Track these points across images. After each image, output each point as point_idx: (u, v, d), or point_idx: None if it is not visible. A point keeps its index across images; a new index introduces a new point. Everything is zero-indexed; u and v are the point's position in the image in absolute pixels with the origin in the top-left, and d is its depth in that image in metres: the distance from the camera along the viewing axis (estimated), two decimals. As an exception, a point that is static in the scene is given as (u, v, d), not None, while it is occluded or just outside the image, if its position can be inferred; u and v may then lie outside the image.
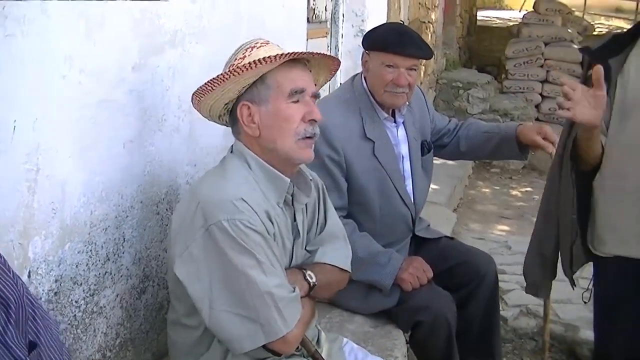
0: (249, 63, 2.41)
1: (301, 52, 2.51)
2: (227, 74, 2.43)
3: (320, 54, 2.63)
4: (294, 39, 4.28)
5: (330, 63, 2.75)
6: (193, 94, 2.55)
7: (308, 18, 4.91)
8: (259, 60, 2.40)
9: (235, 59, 2.52)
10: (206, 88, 2.49)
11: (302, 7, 4.47)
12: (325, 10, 5.60)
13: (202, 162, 3.24)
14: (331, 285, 2.79)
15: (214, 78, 2.47)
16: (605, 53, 3.08)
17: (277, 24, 3.97)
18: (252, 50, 2.51)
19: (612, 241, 3.17)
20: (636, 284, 3.17)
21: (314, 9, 5.24)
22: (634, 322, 3.23)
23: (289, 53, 2.45)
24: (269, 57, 2.41)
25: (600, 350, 3.43)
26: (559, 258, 3.43)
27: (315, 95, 2.58)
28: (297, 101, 2.50)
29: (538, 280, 3.48)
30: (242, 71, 2.42)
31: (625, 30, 3.20)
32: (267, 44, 2.56)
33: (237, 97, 2.53)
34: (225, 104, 2.57)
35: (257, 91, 2.49)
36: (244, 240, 2.35)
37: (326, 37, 5.70)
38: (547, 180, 3.40)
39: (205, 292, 2.38)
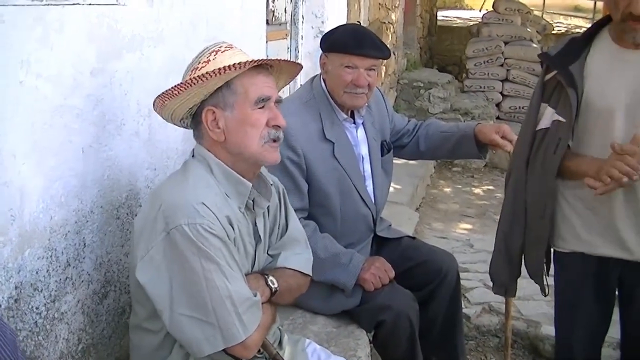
0: (218, 69, 2.42)
1: (269, 60, 2.53)
2: (195, 79, 2.44)
3: (287, 61, 2.66)
4: (253, 41, 4.29)
5: (293, 68, 2.77)
6: (157, 97, 2.55)
7: (267, 20, 4.91)
8: (227, 66, 2.42)
9: (199, 62, 2.53)
10: (171, 92, 2.49)
11: (261, 9, 4.48)
12: (285, 12, 5.60)
13: (162, 165, 3.24)
14: (292, 290, 2.80)
15: (180, 83, 2.47)
16: (564, 59, 3.12)
17: (236, 27, 3.97)
18: (216, 54, 2.52)
19: (571, 238, 3.21)
20: (595, 279, 3.22)
21: (274, 11, 5.24)
22: (593, 316, 3.29)
23: (257, 60, 2.47)
24: (238, 63, 2.42)
25: (562, 345, 3.47)
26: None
27: (280, 100, 2.61)
28: (263, 106, 2.52)
29: (506, 280, 3.50)
30: (210, 77, 2.43)
31: (580, 33, 3.24)
32: (231, 47, 2.57)
33: (201, 101, 2.54)
34: (190, 108, 2.57)
35: (222, 96, 2.50)
36: (205, 245, 2.36)
37: (286, 38, 5.71)
38: (510, 182, 3.41)
39: (165, 296, 2.38)
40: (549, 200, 3.17)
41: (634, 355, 3.31)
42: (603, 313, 3.29)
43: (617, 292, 3.29)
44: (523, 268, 3.45)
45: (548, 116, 3.14)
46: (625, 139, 2.92)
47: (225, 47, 2.57)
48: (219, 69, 2.42)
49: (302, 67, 2.81)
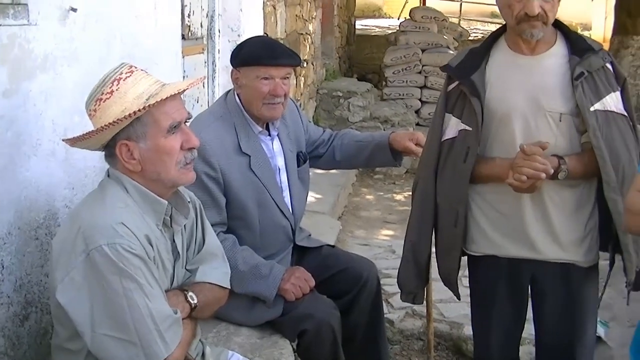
0: (128, 115, 2.43)
1: (172, 94, 2.50)
2: (105, 127, 2.45)
3: (189, 85, 2.64)
4: (169, 57, 4.29)
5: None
6: (65, 140, 2.58)
7: (183, 35, 4.92)
8: (137, 110, 2.43)
9: (103, 93, 2.52)
10: (80, 137, 2.52)
11: (176, 24, 4.48)
12: (201, 26, 5.61)
13: (80, 184, 3.23)
14: (211, 304, 2.84)
15: (91, 131, 2.49)
16: (466, 70, 3.23)
17: (152, 43, 3.97)
18: (119, 83, 2.52)
19: (483, 241, 3.31)
20: (508, 280, 3.33)
21: (189, 26, 5.24)
22: (508, 316, 3.40)
23: (160, 100, 2.46)
24: (146, 107, 2.44)
25: (480, 345, 3.58)
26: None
27: (189, 117, 2.64)
28: (175, 131, 2.54)
29: (414, 288, 3.58)
30: (118, 122, 2.44)
31: (479, 44, 3.35)
32: (132, 72, 2.56)
33: (112, 137, 2.54)
34: (102, 144, 2.58)
35: (133, 129, 2.50)
36: (125, 264, 2.38)
37: (203, 53, 5.71)
38: (417, 192, 3.49)
39: (87, 317, 2.39)
40: (461, 209, 3.26)
41: (549, 351, 3.42)
42: (517, 312, 3.41)
43: (530, 291, 3.40)
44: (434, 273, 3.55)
45: (453, 126, 3.25)
46: (525, 142, 3.05)
47: (127, 72, 2.56)
48: (127, 116, 2.43)
49: (203, 77, 2.82)
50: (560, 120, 3.12)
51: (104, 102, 2.51)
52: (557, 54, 3.19)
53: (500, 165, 3.14)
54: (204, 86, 5.69)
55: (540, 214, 3.19)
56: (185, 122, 2.62)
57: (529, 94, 3.13)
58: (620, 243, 3.15)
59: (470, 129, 3.17)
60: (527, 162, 2.98)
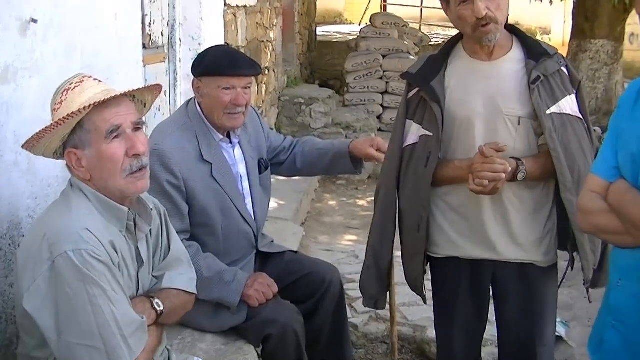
0: (57, 121, 2.47)
1: (108, 98, 2.52)
2: (41, 133, 2.48)
3: (129, 91, 2.66)
4: (130, 66, 4.28)
5: (151, 87, 2.82)
6: (23, 147, 2.59)
7: (144, 44, 4.92)
8: (66, 116, 2.46)
9: (56, 103, 2.57)
10: (28, 146, 2.55)
11: (137, 33, 4.48)
12: (162, 35, 5.61)
13: (44, 194, 3.23)
14: (178, 310, 2.86)
15: (32, 137, 2.51)
16: (425, 76, 3.28)
17: (112, 53, 3.97)
18: (67, 93, 2.56)
19: (444, 244, 3.36)
20: (469, 281, 3.38)
21: (150, 35, 5.25)
22: (470, 316, 3.45)
23: (93, 104, 2.48)
24: (78, 110, 2.46)
25: (443, 346, 3.62)
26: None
27: (139, 123, 2.63)
28: (118, 137, 2.55)
29: (375, 293, 3.62)
30: (55, 128, 2.48)
31: (437, 51, 3.41)
32: (82, 82, 2.59)
33: (62, 145, 2.57)
34: (54, 152, 2.61)
35: (78, 137, 2.54)
36: (89, 270, 2.39)
37: (164, 62, 5.71)
38: (379, 198, 3.54)
39: (53, 324, 2.41)
40: (423, 213, 3.31)
41: (510, 350, 3.48)
42: (479, 312, 3.46)
43: (491, 292, 3.46)
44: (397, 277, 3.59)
45: (414, 132, 3.30)
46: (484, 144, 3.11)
47: (76, 83, 2.59)
48: (60, 120, 2.46)
49: (159, 86, 2.83)
50: (518, 124, 3.18)
51: (56, 112, 2.55)
52: (513, 58, 3.25)
53: (459, 167, 3.20)
54: (165, 95, 5.69)
55: (499, 216, 3.25)
56: (137, 129, 2.62)
57: (487, 99, 3.19)
58: (577, 242, 3.22)
59: (431, 134, 3.23)
60: (486, 165, 3.04)
